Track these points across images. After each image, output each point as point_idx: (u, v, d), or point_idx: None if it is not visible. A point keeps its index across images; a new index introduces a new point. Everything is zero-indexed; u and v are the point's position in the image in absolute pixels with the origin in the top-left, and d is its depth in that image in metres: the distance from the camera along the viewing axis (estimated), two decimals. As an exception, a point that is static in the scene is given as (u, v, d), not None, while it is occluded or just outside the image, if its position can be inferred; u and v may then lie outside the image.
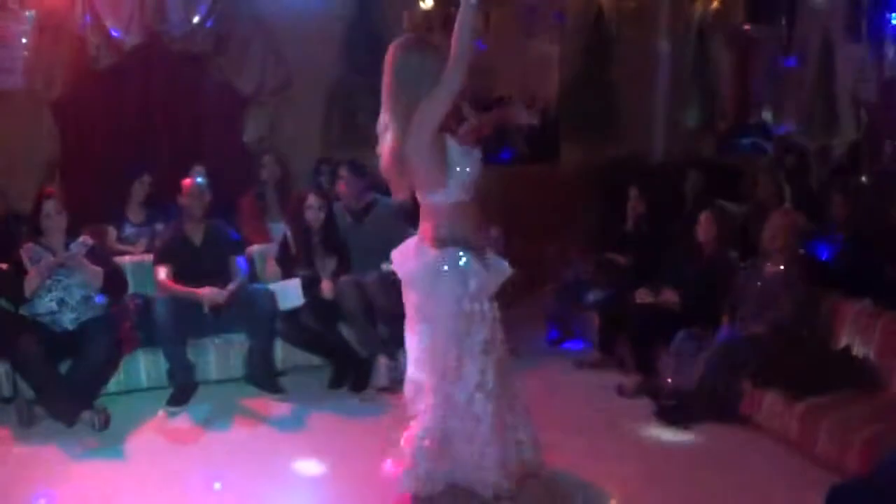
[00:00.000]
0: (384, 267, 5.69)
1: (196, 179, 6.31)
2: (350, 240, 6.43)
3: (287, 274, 6.25)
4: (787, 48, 11.43)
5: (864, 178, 9.81)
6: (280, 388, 5.98)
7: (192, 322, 5.92)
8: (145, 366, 5.96)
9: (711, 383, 5.39)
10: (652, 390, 5.82)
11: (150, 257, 6.27)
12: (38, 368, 5.30)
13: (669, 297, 6.13)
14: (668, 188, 7.98)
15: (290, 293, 6.09)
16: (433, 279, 3.76)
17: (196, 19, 7.63)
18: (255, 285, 6.24)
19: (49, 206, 5.62)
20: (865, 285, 5.74)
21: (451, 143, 3.68)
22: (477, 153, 3.79)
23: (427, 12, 8.49)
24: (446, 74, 3.47)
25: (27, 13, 7.17)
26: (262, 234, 7.12)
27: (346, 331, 6.21)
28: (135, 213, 7.15)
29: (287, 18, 7.99)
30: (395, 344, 5.68)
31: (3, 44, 7.19)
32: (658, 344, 5.97)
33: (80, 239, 5.67)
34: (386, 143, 3.71)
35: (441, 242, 3.76)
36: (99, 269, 5.62)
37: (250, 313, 5.98)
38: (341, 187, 6.67)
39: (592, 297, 6.87)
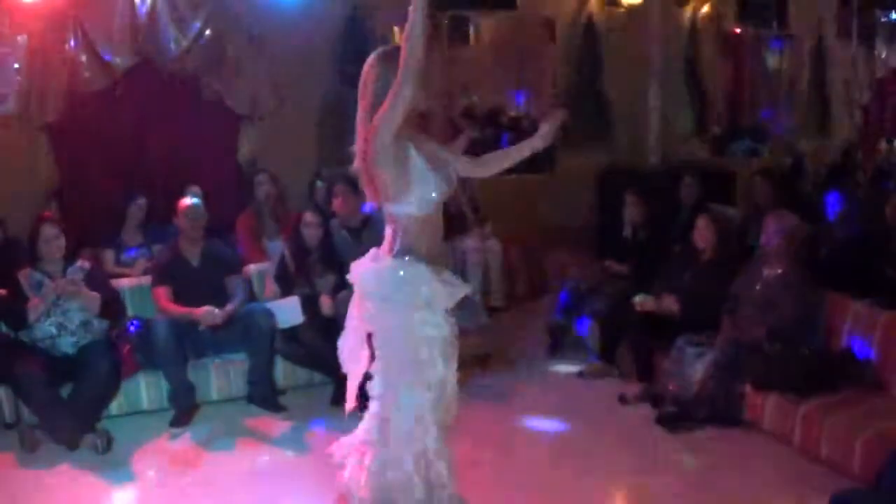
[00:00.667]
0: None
1: (192, 200, 6.31)
2: (348, 256, 6.38)
3: (286, 292, 6.25)
4: (779, 50, 11.48)
5: (859, 178, 9.84)
6: (281, 407, 5.97)
7: (191, 343, 5.93)
8: (146, 388, 5.95)
9: (713, 388, 5.40)
10: (653, 397, 5.82)
11: (148, 280, 6.27)
12: (39, 393, 5.29)
13: (669, 303, 6.13)
14: (664, 194, 7.98)
15: (289, 311, 6.08)
16: (388, 285, 3.59)
17: (187, 40, 7.65)
18: (254, 304, 6.24)
19: (47, 231, 5.61)
20: (865, 285, 5.75)
21: (417, 159, 3.50)
22: (444, 175, 3.58)
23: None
24: (396, 82, 3.34)
25: (19, 38, 7.17)
26: (259, 253, 7.12)
27: (346, 347, 6.19)
28: (131, 236, 7.15)
29: (279, 36, 8.01)
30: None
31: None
32: (658, 350, 5.97)
33: (78, 263, 5.66)
34: (357, 143, 3.60)
35: (397, 253, 3.61)
36: (96, 295, 5.61)
37: (249, 333, 5.97)
38: (337, 204, 6.67)
39: (593, 305, 6.86)
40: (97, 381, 5.44)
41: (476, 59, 9.65)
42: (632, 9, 9.78)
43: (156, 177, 7.90)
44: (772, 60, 11.73)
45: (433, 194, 3.54)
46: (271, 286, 6.43)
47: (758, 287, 5.66)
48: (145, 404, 5.97)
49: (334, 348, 6.14)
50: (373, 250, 3.78)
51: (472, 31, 10.41)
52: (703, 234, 6.17)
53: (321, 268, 6.28)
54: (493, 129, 10.23)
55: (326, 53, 8.40)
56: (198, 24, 7.67)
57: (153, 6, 7.49)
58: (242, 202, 7.64)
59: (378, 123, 3.39)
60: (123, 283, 6.36)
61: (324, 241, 6.32)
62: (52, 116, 7.43)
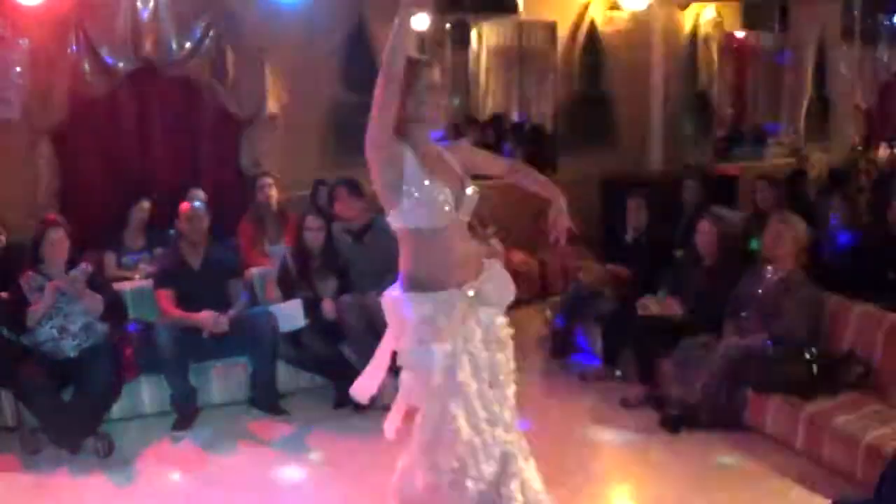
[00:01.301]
0: None
1: (194, 204, 6.30)
2: (350, 259, 6.42)
3: (287, 296, 6.24)
4: (782, 54, 11.48)
5: (862, 182, 9.83)
6: (283, 410, 5.97)
7: (193, 347, 5.90)
8: (148, 391, 5.95)
9: (715, 392, 5.38)
10: (656, 400, 5.80)
11: (149, 283, 6.26)
12: (41, 397, 5.29)
13: (672, 306, 6.12)
14: (667, 198, 7.97)
15: (291, 315, 6.08)
16: (398, 322, 3.57)
17: (190, 44, 7.66)
18: (256, 308, 6.24)
19: (52, 234, 5.61)
20: (867, 289, 5.73)
21: (411, 162, 3.34)
22: (451, 191, 3.43)
23: (420, 33, 8.52)
24: (377, 84, 3.27)
25: (21, 41, 7.18)
26: (261, 257, 7.12)
27: (348, 350, 6.18)
28: (133, 239, 7.16)
29: (282, 41, 8.02)
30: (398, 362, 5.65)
31: (-3, 73, 7.21)
32: (661, 354, 5.96)
33: (80, 266, 5.66)
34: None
35: (404, 286, 3.50)
36: (98, 297, 5.61)
37: (251, 336, 5.96)
38: (339, 207, 6.66)
39: (596, 309, 6.85)
40: (99, 384, 5.43)
41: (477, 63, 9.69)
42: (634, 14, 9.78)
43: (158, 181, 7.90)
44: (774, 65, 11.73)
45: (423, 203, 3.34)
46: (273, 290, 6.42)
47: (760, 290, 5.65)
48: (147, 408, 5.97)
49: (336, 352, 6.19)
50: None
51: (473, 35, 10.46)
52: (705, 237, 6.16)
53: (323, 271, 6.28)
54: (494, 134, 10.26)
55: (330, 58, 8.40)
56: (200, 29, 7.69)
57: (155, 10, 7.50)
58: (244, 206, 7.64)
59: (370, 121, 3.32)
60: (125, 287, 6.36)
61: (326, 245, 6.32)
62: (54, 120, 7.45)
